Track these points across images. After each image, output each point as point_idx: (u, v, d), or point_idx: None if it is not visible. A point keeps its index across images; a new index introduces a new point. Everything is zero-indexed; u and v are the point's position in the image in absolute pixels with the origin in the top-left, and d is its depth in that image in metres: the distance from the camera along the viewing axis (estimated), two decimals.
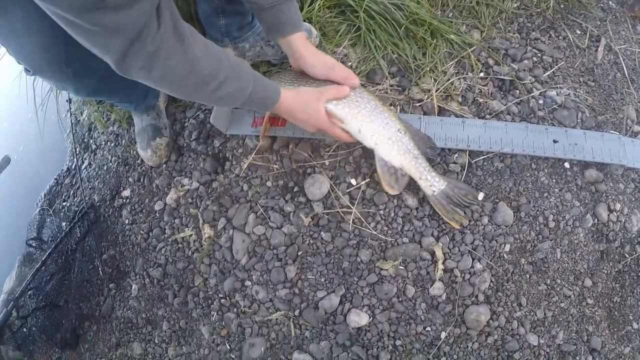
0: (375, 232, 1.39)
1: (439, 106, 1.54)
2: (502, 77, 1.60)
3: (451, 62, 1.63)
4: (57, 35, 1.02)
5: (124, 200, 1.64)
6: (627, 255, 1.52)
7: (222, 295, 1.46)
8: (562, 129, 1.52)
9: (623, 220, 1.52)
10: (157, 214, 1.56)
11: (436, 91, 1.56)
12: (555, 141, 1.50)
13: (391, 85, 1.59)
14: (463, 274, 1.38)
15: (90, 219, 1.60)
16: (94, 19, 0.78)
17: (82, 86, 1.31)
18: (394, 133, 1.36)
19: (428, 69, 1.60)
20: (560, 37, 1.75)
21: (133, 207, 1.62)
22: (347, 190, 1.44)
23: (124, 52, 0.86)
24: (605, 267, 1.49)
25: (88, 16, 0.77)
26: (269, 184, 1.48)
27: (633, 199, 1.55)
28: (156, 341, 1.50)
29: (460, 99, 1.57)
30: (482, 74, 1.62)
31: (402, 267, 1.38)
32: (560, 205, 1.47)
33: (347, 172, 1.46)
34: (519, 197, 1.44)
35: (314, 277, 1.40)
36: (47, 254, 1.48)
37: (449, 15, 1.74)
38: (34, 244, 1.58)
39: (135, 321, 1.55)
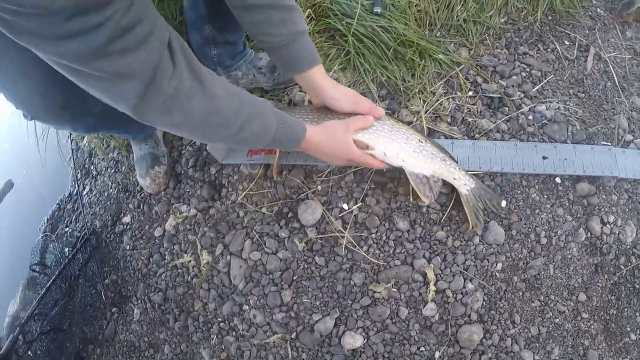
0: (367, 256, 1.40)
1: (428, 128, 1.54)
2: (490, 94, 1.60)
3: (440, 82, 1.64)
4: (54, 79, 0.98)
5: (125, 227, 1.67)
6: (622, 267, 1.52)
7: (221, 319, 1.49)
8: (551, 145, 1.53)
9: (617, 232, 1.51)
10: (156, 240, 1.59)
11: (425, 112, 1.57)
12: (544, 157, 1.50)
13: None
14: (455, 294, 1.39)
15: (92, 244, 1.64)
16: (102, 66, 0.75)
17: (80, 125, 1.29)
18: (416, 145, 1.37)
19: (417, 90, 1.61)
20: (549, 50, 1.75)
21: (133, 233, 1.65)
22: (340, 215, 1.45)
23: (140, 97, 0.81)
24: (600, 280, 1.49)
25: (95, 64, 0.74)
26: (264, 210, 1.50)
27: (627, 210, 1.54)
28: None
29: (449, 119, 1.57)
30: (470, 93, 1.62)
31: (394, 289, 1.39)
32: (552, 221, 1.47)
33: (339, 197, 1.47)
34: (510, 215, 1.45)
35: (309, 300, 1.42)
36: (51, 280, 1.52)
37: (437, 35, 1.75)
38: (37, 269, 1.61)
39: (137, 345, 1.58)
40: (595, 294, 1.48)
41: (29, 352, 1.48)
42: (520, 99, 1.61)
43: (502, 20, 1.78)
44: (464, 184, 1.39)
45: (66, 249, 1.62)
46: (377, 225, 1.44)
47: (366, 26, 1.65)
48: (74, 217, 1.78)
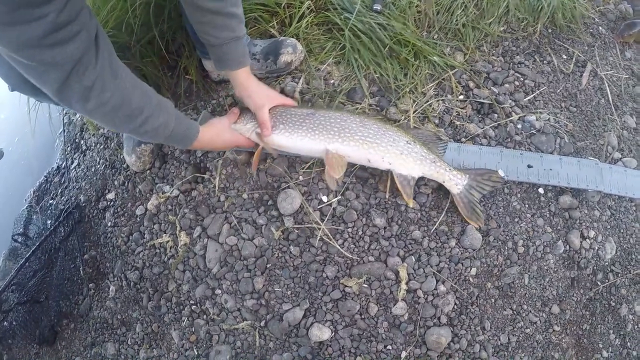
0: (342, 250, 1.35)
1: (415, 127, 1.49)
2: (481, 100, 1.54)
3: (432, 84, 1.58)
4: None
5: (108, 203, 1.64)
6: (599, 283, 1.46)
7: (193, 302, 1.44)
8: (537, 154, 1.47)
9: (596, 248, 1.46)
10: (138, 219, 1.56)
11: (414, 112, 1.51)
12: (529, 166, 1.44)
13: (370, 105, 1.55)
14: (426, 295, 1.33)
15: (75, 218, 1.61)
16: (31, 55, 0.82)
17: (61, 99, 1.35)
18: (404, 147, 1.34)
19: (408, 89, 1.55)
20: (545, 62, 1.69)
21: (116, 210, 1.61)
22: (319, 207, 1.41)
23: (60, 85, 0.90)
24: (575, 295, 1.43)
25: (25, 52, 0.82)
26: (244, 196, 1.46)
27: (608, 227, 1.48)
28: (129, 342, 1.50)
29: (437, 121, 1.51)
30: (461, 97, 1.57)
31: (366, 285, 1.34)
32: (532, 231, 1.41)
33: (320, 189, 1.43)
34: (489, 221, 1.40)
35: (280, 289, 1.38)
36: (31, 251, 1.49)
37: (434, 37, 1.69)
38: (19, 240, 1.60)
39: (110, 322, 1.55)
40: (569, 307, 1.42)
41: (5, 323, 1.47)
42: (510, 107, 1.55)
43: (502, 28, 1.72)
44: (455, 184, 1.34)
45: (49, 222, 1.60)
46: (354, 220, 1.38)
47: (364, 22, 1.59)
48: (60, 191, 1.75)
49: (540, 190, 1.45)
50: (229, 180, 1.49)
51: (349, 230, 1.38)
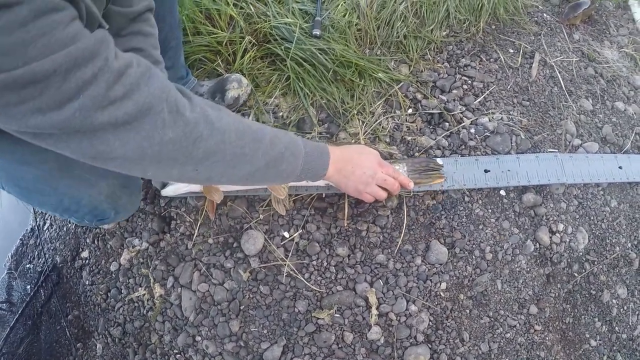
0: (308, 283, 1.26)
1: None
2: (430, 111, 1.44)
3: (379, 102, 1.48)
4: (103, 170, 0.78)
5: (84, 262, 1.54)
6: (576, 275, 1.34)
7: (177, 351, 1.35)
8: (493, 157, 1.35)
9: (568, 240, 1.34)
10: (113, 275, 1.47)
11: (364, 134, 1.42)
12: (486, 171, 1.32)
13: (320, 133, 1.45)
14: (398, 317, 1.24)
15: (53, 280, 1.53)
16: (113, 114, 0.62)
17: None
18: None
19: (356, 111, 1.45)
20: (492, 60, 1.57)
21: (91, 268, 1.53)
22: (282, 243, 1.31)
23: (166, 129, 0.68)
24: (552, 290, 1.32)
25: (105, 113, 0.61)
26: (210, 240, 1.37)
27: (577, 216, 1.37)
28: None
29: (388, 139, 1.41)
30: (410, 110, 1.46)
31: (337, 315, 1.25)
32: (498, 235, 1.30)
33: (281, 225, 1.34)
34: (452, 232, 1.29)
35: (257, 329, 1.29)
36: (14, 319, 1.42)
37: (377, 53, 1.58)
38: (3, 307, 1.52)
39: None
40: (547, 304, 1.30)
41: None
42: (461, 113, 1.44)
43: (444, 33, 1.60)
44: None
45: (28, 287, 1.51)
46: (317, 252, 1.29)
47: (305, 50, 1.50)
48: (36, 253, 1.65)
49: (502, 193, 1.34)
50: (193, 227, 1.40)
51: (314, 263, 1.29)
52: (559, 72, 1.56)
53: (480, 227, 1.30)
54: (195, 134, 0.71)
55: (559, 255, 1.33)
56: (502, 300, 1.28)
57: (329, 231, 1.32)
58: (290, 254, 1.30)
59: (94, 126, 0.61)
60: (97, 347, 1.49)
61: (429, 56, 1.56)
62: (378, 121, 1.43)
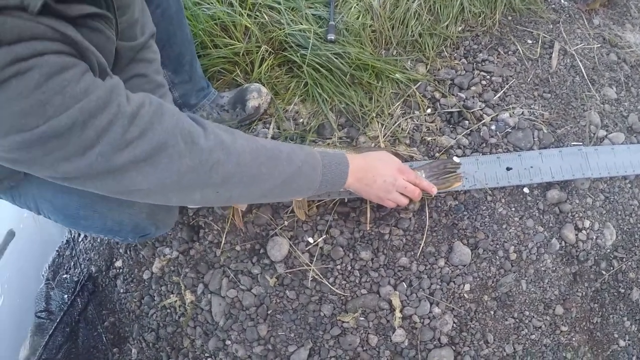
0: (333, 288, 1.27)
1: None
2: (449, 109, 1.40)
3: (398, 103, 1.44)
4: None
5: (117, 271, 1.59)
6: (604, 272, 1.30)
7: (208, 355, 1.39)
8: (514, 154, 1.31)
9: (594, 237, 1.29)
10: (146, 283, 1.51)
11: (383, 136, 1.39)
12: (508, 168, 1.29)
13: (340, 138, 1.43)
14: (422, 320, 1.23)
15: (89, 289, 1.58)
16: (132, 154, 0.65)
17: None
18: None
19: (374, 114, 1.43)
20: (510, 52, 1.51)
21: (125, 277, 1.57)
22: (307, 249, 1.32)
23: (185, 159, 0.71)
24: (579, 290, 1.28)
25: (123, 155, 0.65)
26: (237, 248, 1.39)
27: (604, 212, 1.31)
28: None
29: (408, 141, 1.38)
30: (429, 110, 1.43)
31: (362, 318, 1.25)
32: (522, 235, 1.27)
33: (305, 230, 1.34)
34: (476, 233, 1.26)
35: (284, 333, 1.31)
36: (53, 327, 1.48)
37: (394, 54, 1.54)
38: (42, 316, 1.57)
39: None
40: (574, 304, 1.26)
41: None
42: (481, 110, 1.40)
43: (459, 28, 1.54)
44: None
45: (65, 296, 1.56)
46: (341, 257, 1.29)
47: (321, 55, 1.48)
48: (72, 264, 1.71)
49: (525, 190, 1.30)
50: (221, 235, 1.41)
51: (338, 267, 1.30)
52: (580, 61, 1.48)
53: (504, 226, 1.27)
54: (211, 160, 0.74)
55: (586, 253, 1.29)
56: (527, 301, 1.25)
57: (352, 235, 1.31)
58: (315, 259, 1.31)
59: (116, 166, 0.65)
60: (132, 351, 1.54)
61: (446, 53, 1.52)
62: (397, 123, 1.40)
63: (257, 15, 1.58)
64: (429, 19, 1.54)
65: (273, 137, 1.49)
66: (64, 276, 1.60)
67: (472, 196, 1.30)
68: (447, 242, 1.28)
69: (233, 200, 0.89)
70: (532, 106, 1.40)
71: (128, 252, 1.59)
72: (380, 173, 1.08)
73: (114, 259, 1.61)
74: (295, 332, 1.33)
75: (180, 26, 1.32)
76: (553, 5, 1.63)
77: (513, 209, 1.29)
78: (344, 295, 1.28)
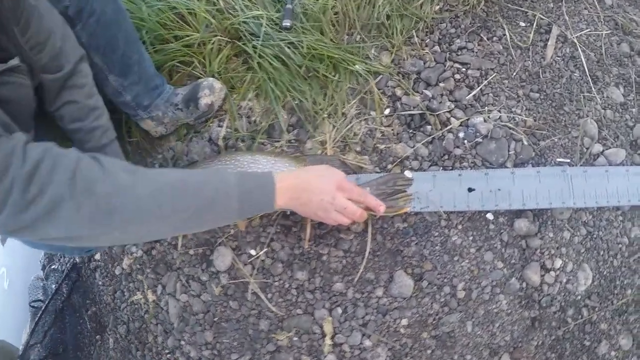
0: (269, 304, 1.16)
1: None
2: (410, 111, 1.13)
3: (354, 101, 1.19)
4: None
5: (97, 263, 1.60)
6: (569, 321, 1.04)
7: (168, 351, 1.37)
8: (480, 172, 1.03)
9: (564, 281, 1.03)
10: (117, 278, 1.50)
11: (333, 141, 1.17)
12: (470, 189, 1.02)
13: (289, 141, 1.23)
14: (352, 350, 1.08)
15: (72, 279, 1.63)
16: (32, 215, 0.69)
17: None
18: None
19: (327, 114, 1.19)
20: (495, 39, 1.16)
21: (102, 271, 1.58)
22: (249, 261, 1.21)
23: (72, 210, 0.71)
24: (536, 337, 1.04)
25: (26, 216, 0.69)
26: (191, 252, 1.32)
27: (582, 250, 1.03)
28: None
29: (359, 148, 1.15)
30: (387, 111, 1.17)
31: (296, 338, 1.14)
32: (477, 269, 1.03)
33: (248, 242, 1.22)
34: (422, 263, 1.05)
35: (228, 341, 1.25)
36: (39, 315, 1.57)
37: (357, 39, 1.26)
38: (36, 305, 1.67)
39: None
40: (525, 354, 1.03)
41: None
42: (449, 112, 1.11)
43: (436, 7, 1.21)
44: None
45: (54, 285, 1.64)
46: (280, 273, 1.16)
47: (273, 45, 1.26)
48: (59, 256, 1.77)
49: (489, 217, 1.04)
50: (178, 237, 1.35)
51: (276, 284, 1.17)
52: (583, 51, 1.12)
53: (456, 258, 1.03)
54: (108, 207, 0.72)
55: (551, 298, 1.03)
56: (470, 344, 1.04)
57: (292, 252, 1.16)
58: (255, 272, 1.20)
59: (25, 224, 0.68)
60: (110, 341, 1.60)
61: (416, 39, 1.20)
62: (350, 125, 1.16)
63: (216, 1, 1.37)
64: None
65: (225, 138, 1.33)
66: (54, 267, 1.73)
67: (424, 219, 1.05)
68: (388, 269, 1.06)
69: (144, 239, 0.88)
70: (513, 109, 1.07)
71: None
72: (316, 191, 0.93)
73: (94, 252, 1.69)
74: (238, 341, 1.25)
75: (120, 28, 1.20)
76: None
77: (470, 238, 1.04)
78: (279, 314, 1.18)
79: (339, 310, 1.11)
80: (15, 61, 0.74)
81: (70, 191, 0.69)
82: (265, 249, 1.21)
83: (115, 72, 1.25)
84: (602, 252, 1.03)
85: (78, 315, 1.61)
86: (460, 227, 1.06)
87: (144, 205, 0.76)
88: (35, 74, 0.86)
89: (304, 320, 1.14)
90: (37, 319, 1.54)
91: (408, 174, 1.07)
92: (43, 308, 1.56)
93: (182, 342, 1.35)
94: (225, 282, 1.25)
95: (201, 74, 1.41)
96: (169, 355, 1.40)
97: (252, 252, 1.23)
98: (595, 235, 1.02)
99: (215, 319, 1.28)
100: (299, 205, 0.94)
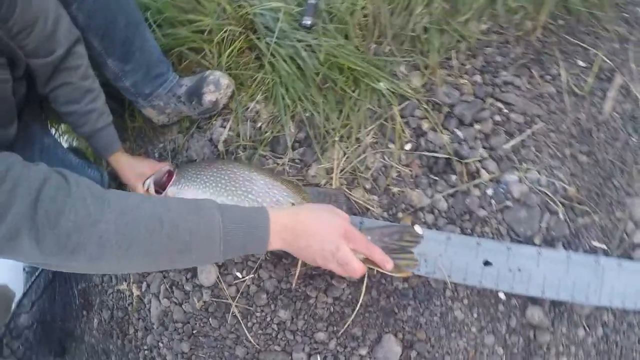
0: (248, 335, 1.06)
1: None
2: (435, 152, 0.94)
3: (371, 126, 1.01)
4: None
5: None
6: None
7: (146, 348, 1.33)
8: (502, 245, 0.86)
9: None
10: None
11: (340, 172, 1.00)
12: (487, 263, 0.86)
13: (292, 160, 1.06)
14: None
15: None
16: None
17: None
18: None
19: (339, 136, 1.02)
20: (548, 77, 0.95)
21: None
22: (234, 282, 1.10)
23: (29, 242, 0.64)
24: None
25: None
26: None
27: (593, 353, 0.86)
28: None
29: (369, 185, 0.98)
30: (408, 147, 0.98)
31: None
32: (473, 351, 0.88)
33: (235, 263, 1.11)
34: (416, 331, 0.91)
35: (204, 356, 1.18)
36: (29, 285, 1.58)
37: (386, 51, 1.05)
38: (29, 270, 1.68)
39: (96, 349, 1.53)
40: None
41: (20, 347, 1.60)
42: (479, 162, 0.92)
43: (483, 27, 0.99)
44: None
45: None
46: (263, 304, 1.05)
47: (288, 45, 1.07)
48: None
49: (502, 296, 0.88)
50: None
51: (258, 314, 1.06)
52: None
53: (454, 334, 0.88)
54: (70, 244, 0.64)
55: None
56: None
57: (279, 285, 1.04)
58: (239, 296, 1.10)
59: None
60: (94, 320, 1.52)
61: (455, 61, 0.99)
62: (363, 156, 0.99)
63: None
64: (443, 8, 0.99)
65: (226, 141, 1.18)
66: None
67: (428, 283, 0.90)
68: (378, 329, 0.93)
69: (124, 271, 0.84)
70: (555, 171, 0.87)
71: None
72: (317, 238, 0.79)
73: None
74: (214, 358, 1.23)
75: (121, 9, 1.04)
76: (626, 14, 0.97)
77: (474, 316, 0.88)
78: (257, 346, 1.09)
79: (318, 357, 1.01)
80: None
81: (31, 222, 0.61)
82: (252, 275, 1.10)
83: (114, 56, 1.12)
84: (612, 359, 0.87)
85: (68, 287, 1.60)
86: (466, 301, 0.91)
87: (108, 244, 0.66)
88: (18, 63, 0.82)
89: (280, 358, 1.06)
90: (25, 290, 1.53)
91: (418, 229, 0.92)
92: (32, 281, 1.54)
93: (160, 345, 1.30)
94: (208, 299, 1.16)
95: (211, 63, 1.26)
96: (146, 352, 1.36)
97: (238, 274, 1.12)
98: (611, 339, 0.86)
99: (194, 332, 1.21)
100: (296, 249, 0.82)
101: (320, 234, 0.80)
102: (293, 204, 0.93)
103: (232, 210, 0.75)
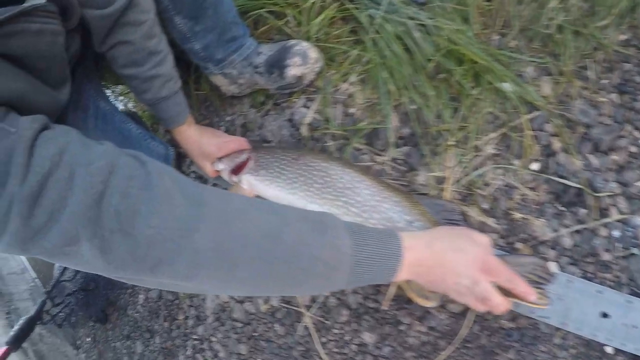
0: (321, 350, 1.06)
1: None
2: (565, 179, 0.89)
3: (493, 135, 0.93)
4: None
5: None
6: None
7: (196, 337, 1.37)
8: (622, 297, 0.84)
9: None
10: None
11: (453, 183, 0.96)
12: (605, 315, 0.84)
13: (394, 160, 1.00)
14: None
15: None
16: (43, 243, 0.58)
17: None
18: (405, 227, 0.91)
19: (453, 141, 0.96)
20: None
21: None
22: None
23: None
24: None
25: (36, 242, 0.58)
26: None
27: None
28: (151, 349, 1.54)
29: (487, 205, 0.92)
30: (535, 166, 0.91)
31: None
32: None
33: None
34: None
35: None
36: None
37: (510, 45, 0.96)
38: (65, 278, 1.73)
39: (139, 324, 1.59)
40: None
41: (61, 313, 1.69)
42: (610, 197, 0.87)
43: (622, 37, 0.91)
44: None
45: None
46: (343, 321, 1.02)
47: (397, 22, 0.98)
48: None
49: (609, 350, 0.87)
50: None
51: (336, 331, 1.04)
52: None
53: None
54: (150, 260, 0.54)
55: None
56: None
57: (364, 302, 1.01)
58: (315, 306, 1.10)
59: (33, 253, 0.54)
60: (140, 297, 1.52)
61: (591, 73, 0.91)
62: (483, 170, 0.93)
63: None
64: (580, 8, 0.91)
65: (311, 125, 1.09)
66: None
67: (536, 327, 0.87)
68: None
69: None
70: None
71: None
72: (453, 270, 0.74)
73: None
74: None
75: None
76: None
77: None
78: None
79: None
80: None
81: (93, 225, 0.51)
82: None
83: (183, 12, 1.02)
84: None
85: None
86: (573, 351, 0.91)
87: (205, 263, 0.57)
88: (72, 13, 0.75)
89: None
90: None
91: (553, 267, 0.92)
92: None
93: (213, 339, 1.30)
94: (276, 304, 1.18)
95: (294, 32, 1.19)
96: (196, 342, 1.38)
97: None
98: None
99: (255, 334, 1.22)
100: (427, 282, 0.76)
101: (457, 268, 0.74)
102: (410, 221, 0.88)
103: (362, 234, 0.66)
